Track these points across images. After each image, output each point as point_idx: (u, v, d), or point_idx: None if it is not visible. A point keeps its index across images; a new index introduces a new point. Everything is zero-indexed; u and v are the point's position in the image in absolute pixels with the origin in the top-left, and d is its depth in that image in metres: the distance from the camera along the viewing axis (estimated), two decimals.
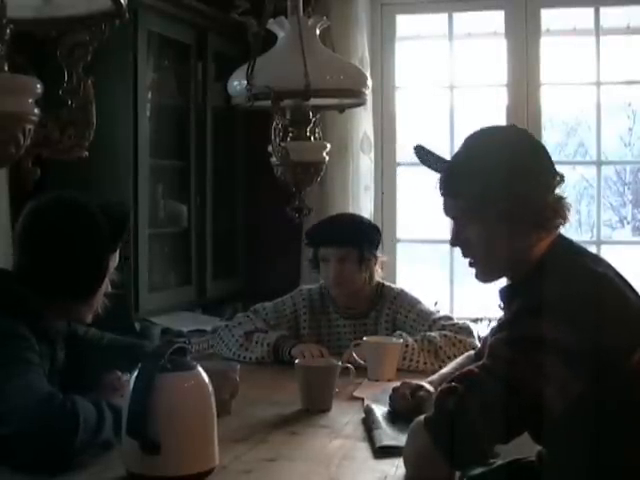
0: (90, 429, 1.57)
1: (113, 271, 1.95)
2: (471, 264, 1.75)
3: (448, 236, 1.77)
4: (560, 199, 1.68)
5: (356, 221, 2.83)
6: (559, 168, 1.73)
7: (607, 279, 1.61)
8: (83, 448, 1.56)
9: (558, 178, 1.69)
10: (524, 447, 1.75)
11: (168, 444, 1.49)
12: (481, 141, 1.73)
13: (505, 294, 1.73)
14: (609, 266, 1.68)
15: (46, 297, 1.81)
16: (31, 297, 1.79)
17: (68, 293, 1.86)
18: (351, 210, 3.63)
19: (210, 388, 1.58)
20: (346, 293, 2.72)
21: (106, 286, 1.93)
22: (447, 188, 1.71)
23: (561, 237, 1.71)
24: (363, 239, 2.68)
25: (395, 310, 2.70)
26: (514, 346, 1.50)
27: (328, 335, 2.75)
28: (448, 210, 1.74)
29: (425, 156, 1.75)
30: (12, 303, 1.76)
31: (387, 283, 2.79)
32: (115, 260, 1.95)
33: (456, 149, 1.78)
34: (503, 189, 1.62)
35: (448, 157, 1.77)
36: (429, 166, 1.75)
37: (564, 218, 1.68)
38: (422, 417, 1.52)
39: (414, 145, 1.76)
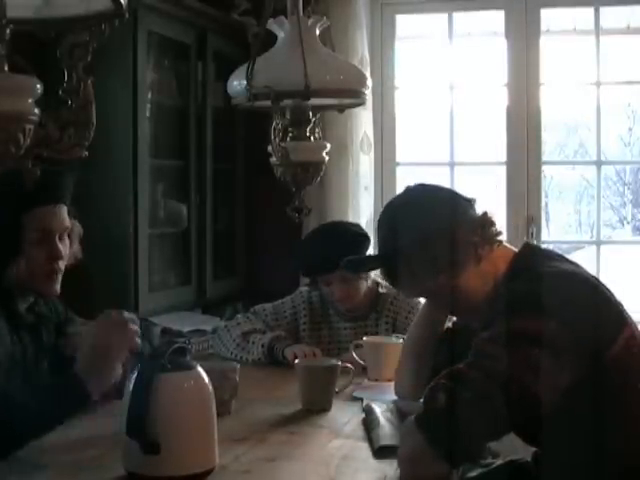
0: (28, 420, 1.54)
1: (63, 237, 1.83)
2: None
3: None
4: (482, 218, 1.73)
5: (348, 240, 2.65)
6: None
7: (579, 274, 1.67)
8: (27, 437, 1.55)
9: (469, 203, 1.76)
10: (523, 447, 1.75)
11: (168, 444, 1.49)
12: (386, 219, 1.82)
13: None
14: (578, 266, 1.73)
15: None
16: None
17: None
18: (350, 210, 3.63)
19: (210, 388, 1.58)
20: (352, 304, 2.72)
21: (51, 249, 1.80)
22: (386, 277, 1.91)
23: (528, 245, 1.82)
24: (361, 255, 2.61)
25: (395, 311, 2.69)
26: (498, 342, 1.52)
27: (329, 337, 2.74)
28: None
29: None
30: None
31: (385, 283, 2.77)
32: (47, 221, 1.80)
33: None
34: (420, 252, 1.70)
35: None
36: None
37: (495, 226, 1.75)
38: (413, 417, 1.53)
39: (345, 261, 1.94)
